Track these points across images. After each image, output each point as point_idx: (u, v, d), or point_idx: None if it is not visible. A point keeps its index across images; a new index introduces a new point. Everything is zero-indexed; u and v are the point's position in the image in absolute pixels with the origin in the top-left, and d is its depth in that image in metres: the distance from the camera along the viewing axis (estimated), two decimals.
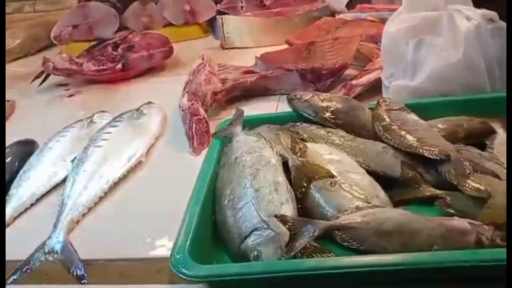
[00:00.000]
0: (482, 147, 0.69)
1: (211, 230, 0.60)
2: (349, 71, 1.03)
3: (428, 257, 0.46)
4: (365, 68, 1.00)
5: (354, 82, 0.95)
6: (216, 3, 1.54)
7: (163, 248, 0.62)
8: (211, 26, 1.59)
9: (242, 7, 1.49)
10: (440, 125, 0.72)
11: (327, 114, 0.76)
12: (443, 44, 0.81)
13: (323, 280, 0.48)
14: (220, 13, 1.48)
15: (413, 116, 0.73)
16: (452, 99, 0.79)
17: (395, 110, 0.74)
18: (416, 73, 0.84)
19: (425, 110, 0.75)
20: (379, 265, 0.45)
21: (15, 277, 0.60)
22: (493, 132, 0.71)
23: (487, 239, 0.49)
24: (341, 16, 1.32)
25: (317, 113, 0.76)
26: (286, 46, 1.23)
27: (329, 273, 0.46)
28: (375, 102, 0.77)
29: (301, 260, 0.49)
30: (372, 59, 1.04)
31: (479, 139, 0.70)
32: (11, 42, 1.61)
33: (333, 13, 1.39)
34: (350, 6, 1.40)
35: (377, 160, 0.66)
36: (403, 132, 0.68)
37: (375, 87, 0.94)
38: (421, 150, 0.63)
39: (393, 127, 0.70)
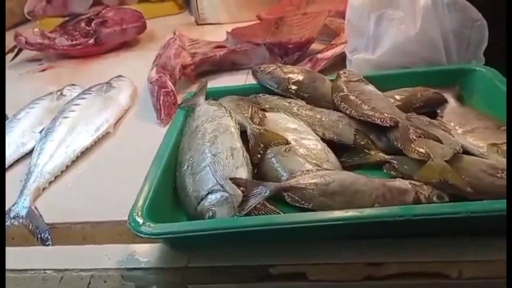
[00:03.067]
0: (434, 115, 0.72)
1: (171, 195, 0.62)
2: (317, 46, 1.05)
3: (365, 212, 0.49)
4: (331, 43, 1.02)
5: (319, 56, 0.97)
6: None
7: (126, 213, 0.64)
8: (186, 2, 1.59)
9: None
10: (396, 96, 0.75)
11: (289, 86, 0.78)
12: (402, 18, 0.83)
13: (266, 235, 0.51)
14: None
15: (370, 87, 0.76)
16: (409, 71, 0.82)
17: (354, 81, 0.77)
18: (377, 46, 0.86)
19: (383, 82, 0.78)
20: (317, 221, 0.49)
21: None
22: (445, 101, 0.74)
23: (424, 197, 0.53)
24: None
25: (279, 84, 0.79)
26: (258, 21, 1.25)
27: (271, 229, 0.49)
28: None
29: (246, 217, 0.52)
30: (340, 34, 1.06)
31: (432, 108, 0.74)
32: None
33: None
34: None
35: (332, 128, 0.68)
36: (358, 102, 0.71)
37: (340, 61, 0.96)
38: (372, 118, 0.66)
39: (350, 97, 0.73)
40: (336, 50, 0.97)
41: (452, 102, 0.74)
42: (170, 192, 0.62)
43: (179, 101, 0.88)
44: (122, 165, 0.76)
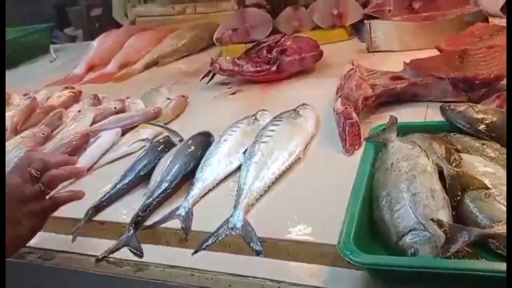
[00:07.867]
0: None
1: (368, 225, 0.69)
2: (505, 81, 1.02)
3: None
4: None
5: None
6: (363, 6, 1.60)
7: (325, 236, 0.71)
8: (355, 29, 1.66)
9: (389, 10, 1.53)
10: None
11: (482, 126, 0.79)
12: None
13: (478, 281, 0.54)
14: (368, 17, 1.53)
15: None
16: None
17: None
18: None
19: None
20: None
21: (207, 243, 0.76)
22: None
23: None
24: (495, 21, 1.29)
25: (471, 124, 0.80)
26: (432, 50, 1.25)
27: (484, 275, 0.52)
28: None
29: (458, 260, 0.56)
30: None
31: None
32: (179, 42, 1.85)
33: (486, 18, 1.36)
34: (505, 10, 1.35)
35: None
36: None
37: None
38: None
39: None
40: None
41: None
42: (367, 222, 0.69)
43: (361, 132, 0.95)
44: (315, 189, 0.84)
